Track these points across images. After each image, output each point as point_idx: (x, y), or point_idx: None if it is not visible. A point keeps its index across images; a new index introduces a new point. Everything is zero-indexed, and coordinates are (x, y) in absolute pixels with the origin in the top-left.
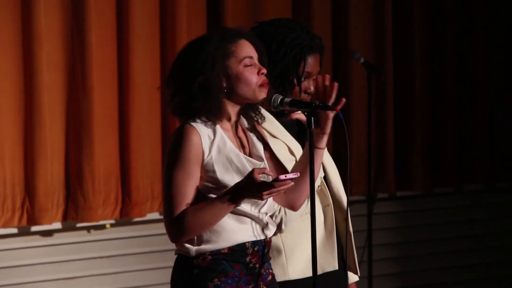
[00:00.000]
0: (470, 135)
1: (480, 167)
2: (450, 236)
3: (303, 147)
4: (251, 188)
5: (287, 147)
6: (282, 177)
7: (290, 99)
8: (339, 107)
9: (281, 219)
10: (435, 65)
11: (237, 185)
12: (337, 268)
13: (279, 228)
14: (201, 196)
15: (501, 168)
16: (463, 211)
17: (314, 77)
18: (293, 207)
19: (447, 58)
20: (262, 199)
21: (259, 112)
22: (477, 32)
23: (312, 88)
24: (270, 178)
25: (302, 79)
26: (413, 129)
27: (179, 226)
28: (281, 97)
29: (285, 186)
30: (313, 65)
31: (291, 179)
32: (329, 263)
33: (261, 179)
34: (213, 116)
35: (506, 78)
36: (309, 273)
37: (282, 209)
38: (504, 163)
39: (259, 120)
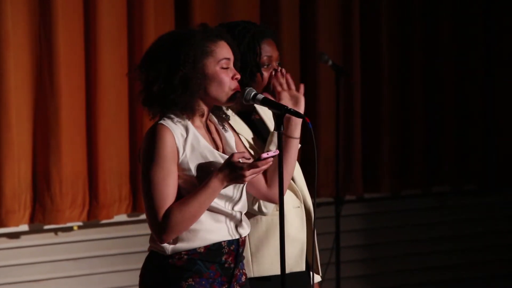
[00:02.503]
0: (437, 138)
1: (447, 169)
2: (418, 238)
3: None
4: (233, 171)
5: (248, 145)
6: (264, 155)
7: (263, 96)
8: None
9: (258, 204)
10: (403, 68)
11: (218, 171)
12: (304, 269)
13: (261, 212)
14: (178, 194)
15: (468, 170)
16: (431, 213)
17: (277, 62)
18: (273, 200)
19: (415, 61)
20: (244, 181)
21: (223, 111)
22: (444, 34)
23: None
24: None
25: (265, 66)
26: (380, 132)
27: (167, 225)
28: (254, 92)
29: (267, 165)
30: (271, 50)
31: (272, 157)
32: (296, 263)
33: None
34: (187, 111)
35: (472, 81)
36: (274, 271)
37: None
38: (471, 165)
39: (225, 118)
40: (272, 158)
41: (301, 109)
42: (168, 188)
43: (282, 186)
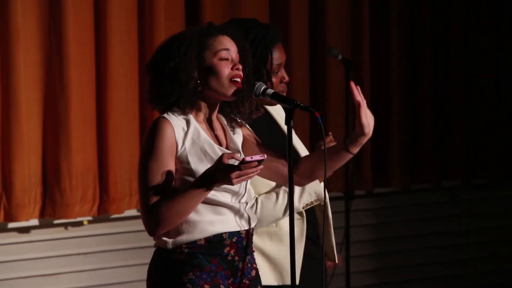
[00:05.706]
0: (447, 132)
1: (457, 163)
2: (427, 232)
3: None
4: (220, 172)
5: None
6: (247, 158)
7: (272, 91)
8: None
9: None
10: (412, 62)
11: (207, 171)
12: (298, 283)
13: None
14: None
15: (478, 165)
16: (440, 207)
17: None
18: (312, 177)
19: (424, 55)
20: (233, 184)
21: (238, 115)
22: (454, 28)
23: (286, 78)
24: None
25: (275, 72)
26: (390, 126)
27: (154, 218)
28: (264, 86)
29: (254, 171)
30: (281, 56)
31: (258, 161)
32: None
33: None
34: (186, 105)
35: (483, 74)
36: (269, 281)
37: (259, 199)
38: (481, 160)
39: (240, 122)
40: (262, 165)
41: None
42: (162, 182)
43: (292, 189)
